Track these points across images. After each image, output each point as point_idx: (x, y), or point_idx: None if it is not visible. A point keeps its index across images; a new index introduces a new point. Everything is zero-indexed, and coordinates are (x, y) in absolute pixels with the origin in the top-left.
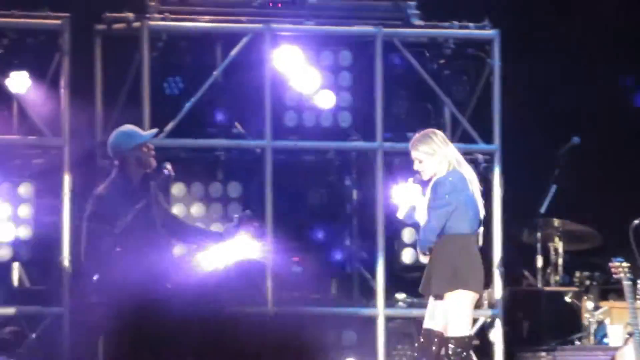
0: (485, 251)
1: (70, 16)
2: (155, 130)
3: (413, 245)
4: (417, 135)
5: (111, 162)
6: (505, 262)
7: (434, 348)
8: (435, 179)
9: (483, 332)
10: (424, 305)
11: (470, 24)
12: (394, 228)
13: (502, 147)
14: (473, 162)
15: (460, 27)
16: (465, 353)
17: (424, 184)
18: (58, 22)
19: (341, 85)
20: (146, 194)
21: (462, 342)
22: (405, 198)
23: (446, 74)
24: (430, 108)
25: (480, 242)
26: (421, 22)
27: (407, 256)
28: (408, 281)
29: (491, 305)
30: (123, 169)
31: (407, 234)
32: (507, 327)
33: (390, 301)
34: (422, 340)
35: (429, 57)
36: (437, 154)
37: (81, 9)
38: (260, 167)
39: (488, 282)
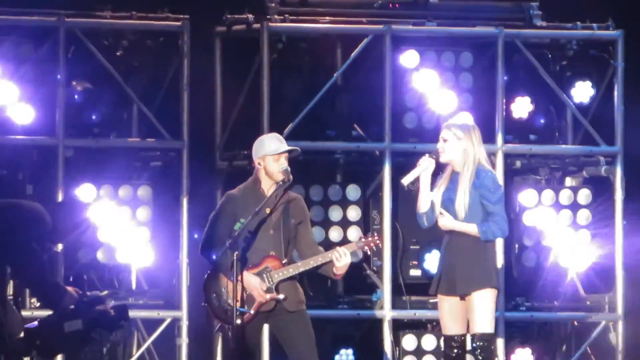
0: (608, 254)
1: (189, 18)
2: (295, 149)
3: (534, 250)
4: (458, 118)
5: (230, 164)
6: (627, 264)
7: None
8: (483, 171)
9: (605, 335)
10: (546, 309)
11: (594, 25)
12: (515, 231)
13: (624, 148)
14: (595, 164)
15: (583, 28)
16: (490, 349)
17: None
18: (178, 23)
19: (462, 87)
20: (271, 203)
21: (487, 338)
22: (419, 168)
23: (568, 75)
24: (552, 110)
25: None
26: (543, 23)
27: (527, 259)
28: (529, 284)
29: (613, 309)
30: (256, 175)
31: (529, 237)
32: (629, 331)
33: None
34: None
35: (551, 58)
36: (464, 143)
37: (201, 10)
38: (379, 169)
39: (611, 286)
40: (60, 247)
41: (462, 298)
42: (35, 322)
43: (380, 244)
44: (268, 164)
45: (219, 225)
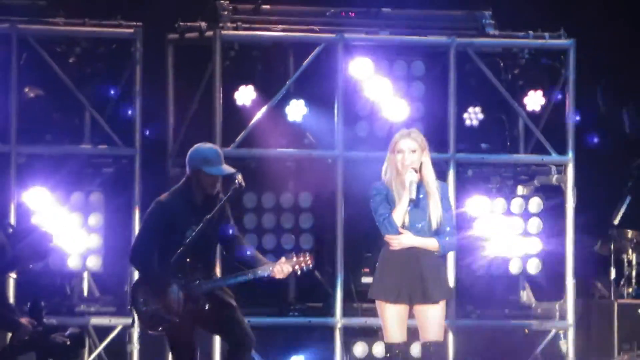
0: (558, 262)
1: (142, 25)
2: (232, 171)
3: (484, 258)
4: (413, 129)
5: (183, 171)
6: (578, 273)
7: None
8: (440, 184)
9: (555, 343)
10: (496, 317)
11: (546, 34)
12: (466, 239)
13: (575, 158)
14: (546, 173)
15: (535, 37)
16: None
17: None
18: (130, 31)
19: (414, 96)
20: (206, 213)
21: (440, 346)
22: (411, 183)
23: (520, 84)
24: (504, 118)
25: None
26: (496, 32)
27: (478, 267)
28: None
29: (563, 317)
30: (188, 183)
31: (480, 245)
32: (579, 339)
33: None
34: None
35: (503, 67)
36: (427, 155)
37: (153, 17)
38: (331, 177)
39: (560, 294)
40: (14, 274)
41: (411, 306)
42: None
43: (311, 264)
44: (202, 178)
45: (151, 234)
